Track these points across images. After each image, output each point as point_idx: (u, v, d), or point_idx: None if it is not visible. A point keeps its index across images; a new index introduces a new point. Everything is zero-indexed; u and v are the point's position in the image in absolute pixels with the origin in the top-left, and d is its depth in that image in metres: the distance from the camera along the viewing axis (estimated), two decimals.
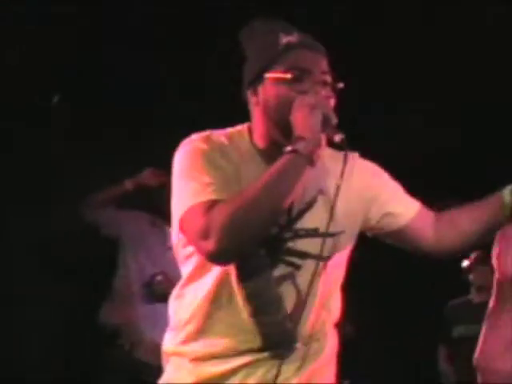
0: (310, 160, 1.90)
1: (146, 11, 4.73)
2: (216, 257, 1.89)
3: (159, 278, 4.45)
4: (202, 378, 2.02)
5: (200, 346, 2.03)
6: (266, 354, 2.00)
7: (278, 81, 1.99)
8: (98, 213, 4.53)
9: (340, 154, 2.01)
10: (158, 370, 2.20)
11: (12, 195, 4.99)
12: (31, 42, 4.77)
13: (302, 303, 2.00)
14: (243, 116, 2.12)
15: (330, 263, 2.06)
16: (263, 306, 1.99)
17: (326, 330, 2.11)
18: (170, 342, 2.12)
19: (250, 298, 1.98)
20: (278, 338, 2.00)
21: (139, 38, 4.77)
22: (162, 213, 4.42)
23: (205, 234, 1.86)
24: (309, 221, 2.03)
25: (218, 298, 2.00)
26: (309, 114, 1.91)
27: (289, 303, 2.01)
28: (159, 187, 4.38)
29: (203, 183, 1.93)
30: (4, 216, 5.02)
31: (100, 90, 5.05)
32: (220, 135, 2.06)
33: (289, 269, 2.01)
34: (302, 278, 2.01)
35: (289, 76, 1.97)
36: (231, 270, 1.97)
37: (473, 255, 5.50)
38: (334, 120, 1.93)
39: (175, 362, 2.09)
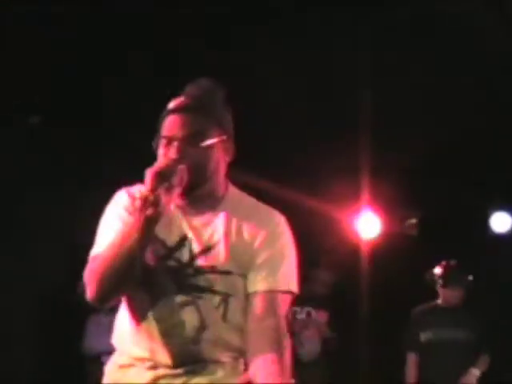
0: (155, 220, 2.17)
1: None
2: (91, 302, 2.26)
3: None
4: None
5: (124, 360, 2.33)
6: (179, 370, 2.27)
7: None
8: None
9: (248, 201, 2.40)
10: None
11: None
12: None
13: (204, 328, 2.26)
14: None
15: (230, 299, 2.31)
16: (169, 329, 2.26)
17: (230, 356, 2.32)
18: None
19: (158, 322, 2.27)
20: (184, 357, 2.26)
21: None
22: None
23: (86, 283, 2.27)
24: (209, 260, 2.29)
25: (138, 324, 2.30)
26: (147, 176, 2.18)
27: (191, 327, 2.26)
28: None
29: (103, 237, 2.31)
30: None
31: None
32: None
33: (190, 298, 2.27)
34: (204, 308, 2.27)
35: (153, 145, 2.34)
36: (146, 301, 2.29)
37: (442, 272, 5.65)
38: (168, 176, 2.18)
39: (106, 370, 2.40)
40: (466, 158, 6.25)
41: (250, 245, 2.32)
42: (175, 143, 2.27)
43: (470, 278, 5.65)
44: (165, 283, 2.27)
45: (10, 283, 5.19)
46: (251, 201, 2.41)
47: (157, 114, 2.40)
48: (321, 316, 6.33)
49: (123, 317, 2.37)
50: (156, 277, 2.28)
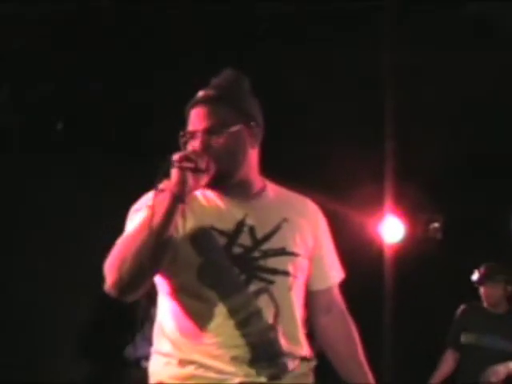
0: (180, 198, 2.15)
1: None
2: (111, 293, 2.15)
3: None
4: None
5: (192, 370, 2.20)
6: (263, 379, 2.19)
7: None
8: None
9: (299, 195, 2.46)
10: None
11: None
12: None
13: (279, 315, 2.24)
14: None
15: (297, 281, 2.33)
16: (246, 317, 2.19)
17: (302, 343, 2.33)
18: (161, 369, 2.27)
19: (232, 312, 2.19)
20: (264, 348, 2.20)
21: None
22: None
23: (105, 274, 2.16)
24: (276, 242, 2.29)
25: (201, 321, 2.21)
26: (174, 158, 2.18)
27: (268, 315, 2.23)
28: None
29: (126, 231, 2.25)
30: None
31: None
32: None
33: (263, 284, 2.24)
34: (277, 291, 2.25)
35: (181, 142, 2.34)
36: (206, 292, 2.20)
37: (481, 269, 5.58)
38: (194, 158, 2.19)
39: None
40: (491, 160, 6.24)
41: (311, 232, 2.40)
42: (198, 135, 2.29)
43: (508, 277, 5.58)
44: (233, 272, 2.22)
45: (59, 287, 5.20)
46: (287, 190, 2.47)
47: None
48: None
49: (175, 317, 2.25)
50: (220, 268, 2.22)
